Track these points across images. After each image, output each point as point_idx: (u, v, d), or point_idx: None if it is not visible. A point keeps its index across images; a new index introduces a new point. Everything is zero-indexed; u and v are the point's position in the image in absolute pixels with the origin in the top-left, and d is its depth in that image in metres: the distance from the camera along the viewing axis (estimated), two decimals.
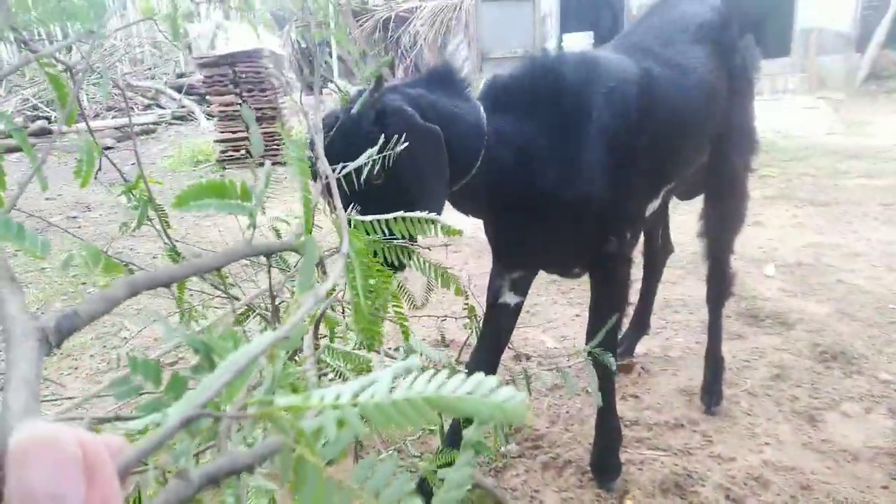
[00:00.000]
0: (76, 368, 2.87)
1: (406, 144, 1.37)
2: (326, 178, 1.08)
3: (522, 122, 1.63)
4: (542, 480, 2.05)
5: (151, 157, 8.50)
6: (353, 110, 1.45)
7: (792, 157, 6.64)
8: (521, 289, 1.91)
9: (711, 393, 2.34)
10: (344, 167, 1.36)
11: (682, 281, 3.49)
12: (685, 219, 2.69)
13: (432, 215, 1.18)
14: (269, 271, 0.99)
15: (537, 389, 2.04)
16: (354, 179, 1.43)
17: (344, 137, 1.41)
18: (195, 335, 0.73)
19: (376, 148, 1.33)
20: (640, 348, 2.75)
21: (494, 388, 0.36)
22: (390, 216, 0.94)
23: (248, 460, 0.38)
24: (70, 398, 2.48)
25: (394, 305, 1.26)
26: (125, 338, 3.17)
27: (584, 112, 1.64)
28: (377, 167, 1.45)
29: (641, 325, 2.73)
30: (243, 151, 7.79)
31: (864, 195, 5.08)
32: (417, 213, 1.09)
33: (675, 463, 2.08)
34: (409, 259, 1.29)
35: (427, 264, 1.37)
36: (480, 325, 1.97)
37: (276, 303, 1.26)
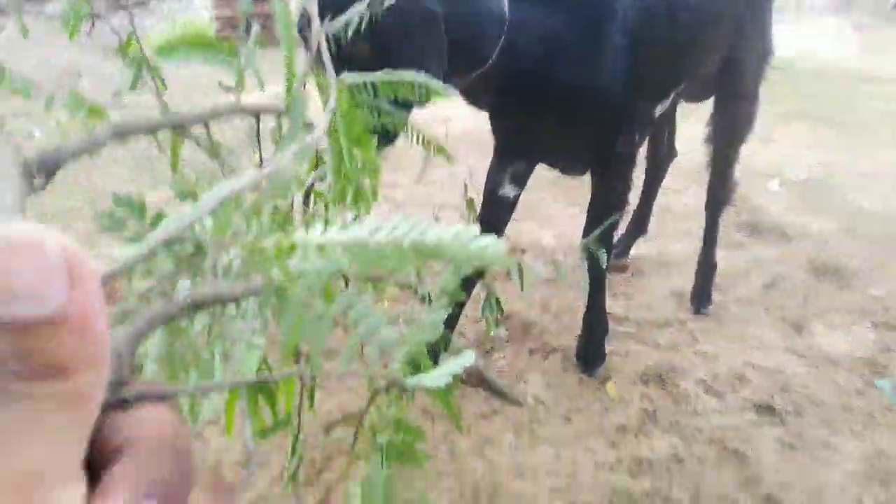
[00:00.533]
0: (69, 233, 2.86)
1: (396, 20, 1.32)
2: (317, 41, 1.02)
3: (548, 12, 1.56)
4: (529, 364, 2.10)
5: (143, 33, 8.18)
6: None
7: (810, 77, 6.42)
8: (520, 181, 1.88)
9: (701, 295, 2.37)
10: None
11: (687, 189, 3.45)
12: (694, 128, 2.63)
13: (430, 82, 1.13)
14: (257, 135, 0.94)
15: (535, 275, 2.05)
16: (342, 45, 1.38)
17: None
18: (181, 180, 0.69)
19: (364, 6, 1.26)
20: (635, 250, 2.75)
21: (475, 236, 0.34)
22: (377, 75, 0.85)
23: (234, 291, 0.37)
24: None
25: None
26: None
27: (612, 5, 1.57)
28: (363, 36, 1.39)
29: (639, 226, 2.72)
30: (242, 30, 7.49)
31: (879, 117, 4.95)
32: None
33: (659, 356, 2.12)
34: (402, 128, 1.25)
35: (421, 135, 1.33)
36: (478, 216, 1.96)
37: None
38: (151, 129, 0.69)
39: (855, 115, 5.11)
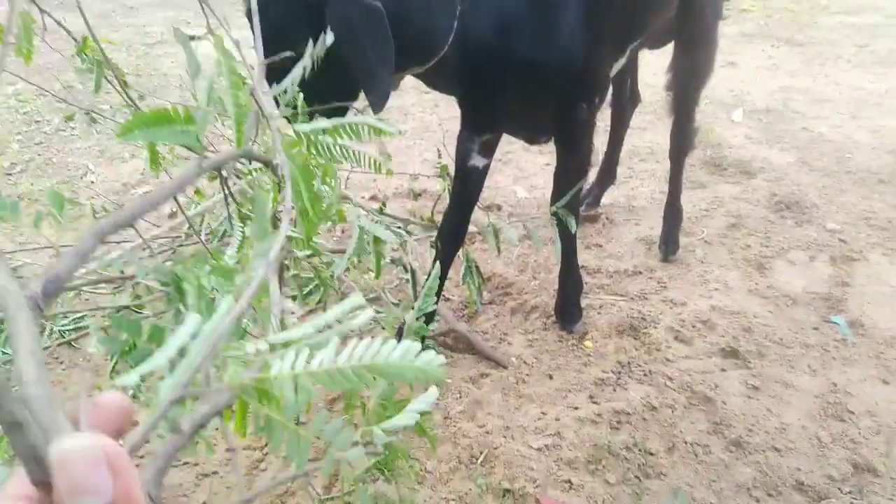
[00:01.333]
0: (49, 215, 2.83)
1: (344, 21, 1.35)
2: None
3: None
4: (511, 324, 2.22)
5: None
6: None
7: None
8: (489, 151, 1.93)
9: (668, 243, 2.48)
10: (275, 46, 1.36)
11: (651, 127, 3.51)
12: (658, 60, 2.65)
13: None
14: (222, 184, 0.98)
15: (507, 240, 2.13)
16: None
17: (283, 3, 1.36)
18: (164, 267, 0.74)
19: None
20: (605, 199, 2.84)
21: (418, 354, 0.42)
22: (325, 124, 0.89)
23: (228, 400, 0.45)
24: (48, 247, 2.49)
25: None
26: (92, 181, 3.11)
27: None
28: (312, 45, 1.42)
29: (608, 175, 2.79)
30: None
31: (841, 35, 5.00)
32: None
33: (630, 307, 2.25)
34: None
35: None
36: (452, 186, 2.01)
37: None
38: (132, 221, 0.75)
39: (817, 30, 5.14)
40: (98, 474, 0.29)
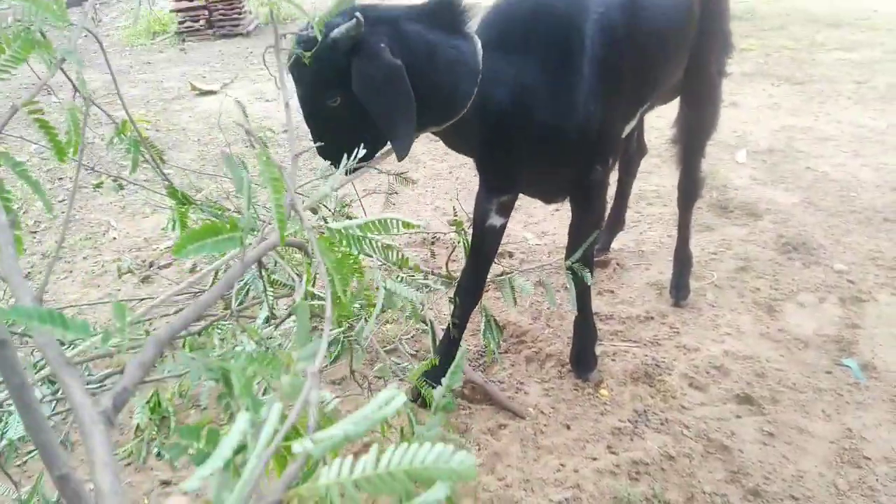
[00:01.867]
0: (71, 272, 2.93)
1: (368, 78, 1.48)
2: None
3: (519, 58, 1.66)
4: (526, 373, 2.26)
5: (105, 29, 7.97)
6: (332, 35, 1.47)
7: (772, 26, 6.53)
8: (507, 211, 2.00)
9: (679, 288, 2.52)
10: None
11: (658, 170, 3.59)
12: (663, 107, 2.73)
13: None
14: (261, 274, 1.04)
15: (522, 290, 2.18)
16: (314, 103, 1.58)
17: (316, 60, 1.44)
18: (213, 363, 0.80)
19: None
20: (615, 244, 2.89)
21: (450, 456, 0.48)
22: (355, 223, 0.95)
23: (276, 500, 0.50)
24: (72, 305, 2.57)
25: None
26: (114, 237, 3.21)
27: (578, 42, 1.65)
28: (335, 93, 1.54)
29: (617, 222, 2.86)
30: (202, 22, 7.35)
31: (840, 72, 5.09)
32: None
33: (644, 354, 2.29)
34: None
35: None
36: (468, 237, 2.07)
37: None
38: (185, 327, 0.81)
39: (816, 67, 5.25)
40: None
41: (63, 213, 3.45)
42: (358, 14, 1.46)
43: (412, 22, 1.55)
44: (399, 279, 1.72)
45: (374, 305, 1.57)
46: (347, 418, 0.52)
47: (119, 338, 0.88)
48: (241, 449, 0.52)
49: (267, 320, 1.70)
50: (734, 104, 4.55)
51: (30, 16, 0.94)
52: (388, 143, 1.64)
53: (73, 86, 1.32)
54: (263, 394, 0.79)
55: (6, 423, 1.52)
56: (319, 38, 1.41)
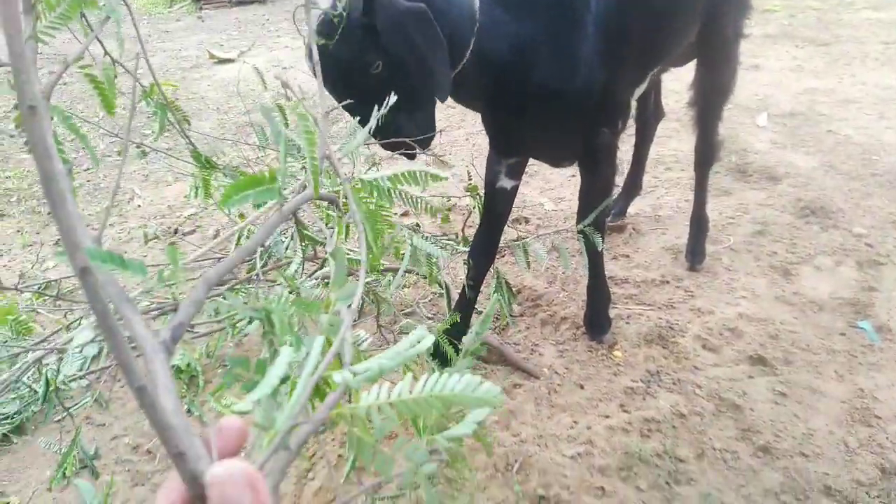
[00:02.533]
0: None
1: (395, 26, 1.46)
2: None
3: (521, 12, 1.64)
4: (541, 335, 2.30)
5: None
6: (341, 8, 1.49)
7: None
8: (517, 173, 2.01)
9: (695, 252, 2.53)
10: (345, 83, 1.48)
11: (676, 135, 3.56)
12: (676, 72, 2.70)
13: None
14: (298, 230, 1.08)
15: (536, 255, 2.21)
16: (356, 77, 1.53)
17: (340, 37, 1.45)
18: (254, 306, 0.85)
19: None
20: (631, 209, 2.90)
21: (478, 385, 0.52)
22: (385, 175, 0.98)
23: (325, 423, 0.55)
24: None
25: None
26: (139, 205, 3.28)
27: (585, 1, 1.64)
28: (374, 58, 1.53)
29: (634, 186, 2.86)
30: None
31: (868, 32, 4.97)
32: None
33: (659, 317, 2.32)
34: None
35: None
36: (482, 202, 2.10)
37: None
38: (231, 269, 0.86)
39: (843, 28, 5.12)
40: (242, 493, 0.39)
41: (88, 181, 3.54)
42: None
43: None
44: (424, 237, 1.75)
45: (401, 258, 1.62)
46: (381, 353, 0.57)
47: (172, 280, 0.94)
48: (285, 380, 0.57)
49: (297, 271, 1.77)
50: (756, 67, 4.48)
51: None
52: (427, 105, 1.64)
53: (104, 50, 1.36)
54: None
55: (58, 367, 1.61)
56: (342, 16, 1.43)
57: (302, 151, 0.87)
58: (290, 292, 1.14)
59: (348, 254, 1.55)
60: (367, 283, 1.74)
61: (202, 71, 5.16)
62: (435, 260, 1.74)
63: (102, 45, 1.26)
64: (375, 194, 1.00)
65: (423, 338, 0.58)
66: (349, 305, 0.66)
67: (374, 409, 0.55)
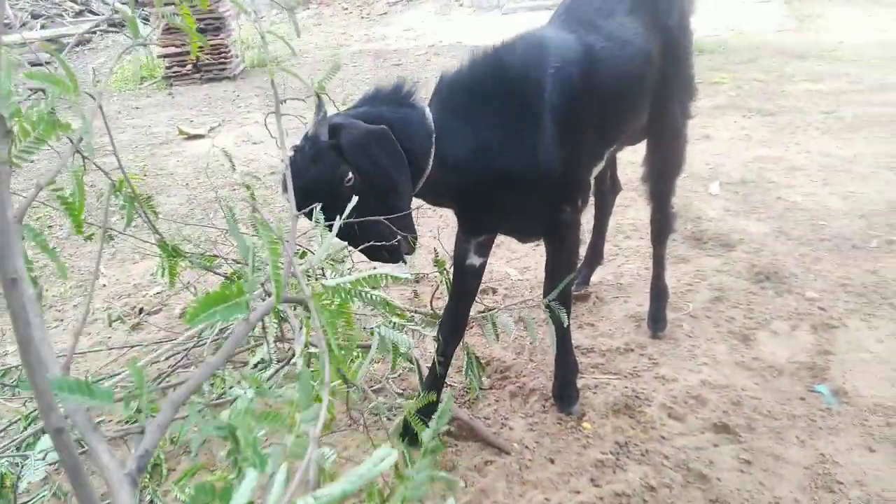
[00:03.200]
0: (62, 321, 2.97)
1: (359, 145, 1.57)
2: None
3: (473, 116, 1.78)
4: (511, 408, 2.31)
5: (92, 76, 8.08)
6: (309, 134, 1.60)
7: (742, 59, 6.75)
8: (485, 250, 2.09)
9: (656, 320, 2.61)
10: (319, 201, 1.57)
11: (634, 204, 3.69)
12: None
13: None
14: (264, 333, 1.11)
15: (504, 327, 2.26)
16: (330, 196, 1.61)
17: (310, 161, 1.55)
18: (220, 422, 0.87)
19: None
20: (595, 277, 2.98)
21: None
22: (349, 280, 1.01)
23: None
24: (63, 354, 2.61)
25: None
26: (104, 284, 3.25)
27: (535, 94, 1.77)
28: (346, 171, 1.61)
29: (596, 256, 2.95)
30: (189, 67, 7.50)
31: (808, 102, 5.28)
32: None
33: (625, 385, 2.36)
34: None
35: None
36: (451, 276, 2.15)
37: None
38: (198, 387, 0.87)
39: (785, 99, 5.44)
40: None
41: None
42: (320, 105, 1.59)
43: (364, 105, 1.73)
44: (390, 324, 1.78)
45: (367, 348, 1.64)
46: (344, 476, 0.59)
47: (137, 404, 0.94)
48: None
49: (260, 365, 1.77)
50: (707, 137, 4.71)
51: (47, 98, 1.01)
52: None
53: (72, 142, 1.40)
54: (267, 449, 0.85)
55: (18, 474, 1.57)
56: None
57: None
58: (257, 391, 1.15)
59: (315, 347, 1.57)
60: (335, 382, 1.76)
61: (171, 147, 5.22)
62: (404, 349, 1.76)
63: (72, 141, 1.30)
64: (339, 298, 1.03)
65: (386, 456, 0.61)
66: (316, 427, 0.68)
67: None
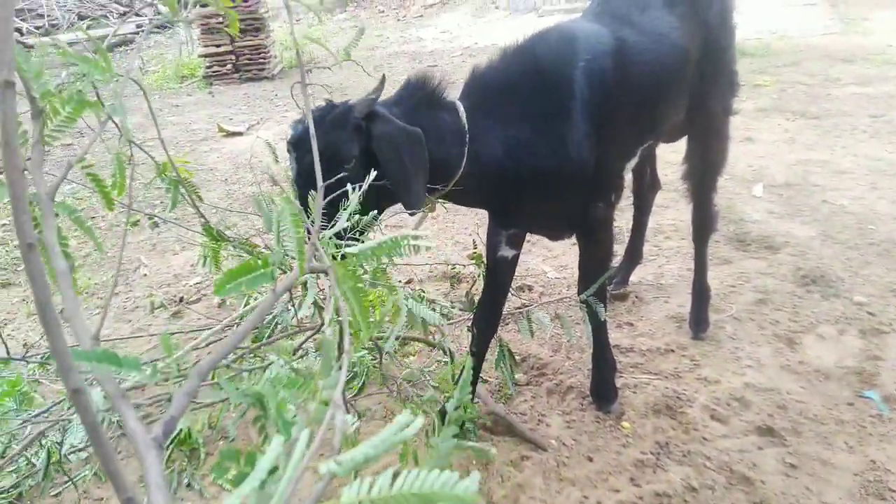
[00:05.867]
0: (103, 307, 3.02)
1: (391, 139, 1.57)
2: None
3: (504, 112, 1.76)
4: (548, 405, 2.28)
5: (142, 70, 8.28)
6: (351, 102, 1.60)
7: (786, 62, 6.60)
8: (516, 243, 2.06)
9: (698, 321, 2.55)
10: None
11: (674, 205, 3.63)
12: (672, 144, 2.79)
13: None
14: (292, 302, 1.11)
15: (540, 323, 2.23)
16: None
17: (331, 123, 1.55)
18: (246, 391, 0.86)
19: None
20: (634, 277, 2.93)
21: (455, 483, 0.53)
22: (366, 247, 1.00)
23: None
24: (105, 339, 2.66)
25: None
26: (145, 274, 3.31)
27: (566, 88, 1.75)
28: (352, 155, 1.61)
29: (635, 255, 2.90)
30: (229, 66, 7.63)
31: (855, 106, 5.13)
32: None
33: (665, 386, 2.31)
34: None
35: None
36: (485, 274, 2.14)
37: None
38: (225, 357, 0.87)
39: (831, 102, 5.29)
40: None
41: (95, 251, 3.58)
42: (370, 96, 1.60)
43: (395, 105, 1.71)
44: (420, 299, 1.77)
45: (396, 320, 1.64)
46: (367, 442, 0.59)
47: (165, 373, 0.95)
48: (275, 469, 0.58)
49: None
50: (750, 139, 4.61)
51: (80, 75, 1.03)
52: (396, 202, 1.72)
53: (118, 128, 1.42)
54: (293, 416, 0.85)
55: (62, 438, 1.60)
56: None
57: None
58: (287, 364, 1.15)
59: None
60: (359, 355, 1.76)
61: (211, 144, 5.30)
62: (436, 324, 1.75)
63: (117, 125, 1.32)
64: (364, 265, 1.02)
65: (409, 423, 0.60)
66: (337, 392, 0.67)
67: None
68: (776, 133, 4.74)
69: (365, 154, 1.61)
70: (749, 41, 7.33)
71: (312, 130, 1.23)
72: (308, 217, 1.59)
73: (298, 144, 1.59)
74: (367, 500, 0.55)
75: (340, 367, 0.75)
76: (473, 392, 2.15)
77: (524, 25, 9.88)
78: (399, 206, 1.71)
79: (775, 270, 2.96)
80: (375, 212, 1.53)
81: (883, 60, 6.39)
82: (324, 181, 1.61)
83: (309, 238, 0.95)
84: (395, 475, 0.57)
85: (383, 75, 1.59)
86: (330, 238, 1.20)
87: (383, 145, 1.61)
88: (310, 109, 1.26)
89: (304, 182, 1.62)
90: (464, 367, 2.12)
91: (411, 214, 1.75)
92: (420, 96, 1.73)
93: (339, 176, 1.43)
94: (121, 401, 0.70)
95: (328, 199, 1.26)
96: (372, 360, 2.26)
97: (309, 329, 2.02)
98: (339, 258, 1.00)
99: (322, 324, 2.07)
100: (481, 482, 1.95)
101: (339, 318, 0.95)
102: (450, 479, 0.56)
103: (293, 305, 2.06)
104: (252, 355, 2.00)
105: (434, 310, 2.27)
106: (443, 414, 2.01)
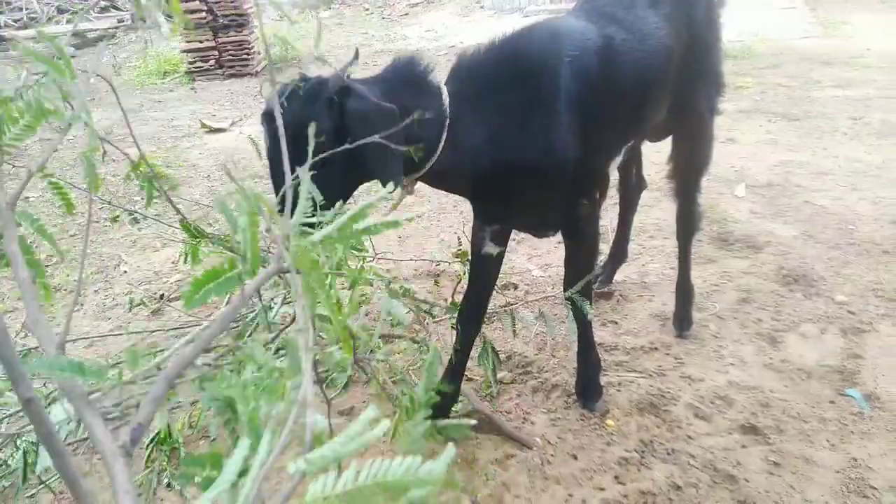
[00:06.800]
0: (83, 305, 2.97)
1: (364, 116, 1.54)
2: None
3: (489, 102, 1.74)
4: (533, 403, 2.28)
5: (116, 68, 8.16)
6: (324, 76, 1.56)
7: (767, 65, 6.67)
8: (502, 239, 2.05)
9: (682, 319, 2.56)
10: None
11: (658, 204, 3.65)
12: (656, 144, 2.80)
13: (390, 186, 1.34)
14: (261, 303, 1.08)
15: (524, 322, 2.22)
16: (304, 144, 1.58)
17: (304, 97, 1.51)
18: (217, 393, 0.83)
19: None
20: (618, 276, 2.94)
21: (418, 467, 0.52)
22: (331, 231, 0.96)
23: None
24: (84, 337, 2.60)
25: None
26: (125, 271, 3.26)
27: (551, 82, 1.73)
28: (324, 136, 1.57)
29: (619, 253, 2.91)
30: (212, 62, 7.54)
31: (835, 108, 5.20)
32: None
33: (650, 384, 2.31)
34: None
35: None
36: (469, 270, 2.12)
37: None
38: (191, 362, 0.85)
39: (811, 104, 5.35)
40: None
41: (74, 247, 3.52)
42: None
43: (378, 82, 1.68)
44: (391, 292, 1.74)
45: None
46: (335, 439, 0.57)
47: (132, 378, 0.92)
48: (245, 471, 0.57)
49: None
50: (732, 140, 4.64)
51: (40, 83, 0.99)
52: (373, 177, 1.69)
53: (87, 126, 1.38)
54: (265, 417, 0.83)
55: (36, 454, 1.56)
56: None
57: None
58: (259, 367, 1.13)
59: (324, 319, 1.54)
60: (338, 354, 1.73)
61: (193, 140, 5.24)
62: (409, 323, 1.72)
63: (88, 123, 1.29)
64: (326, 254, 0.98)
65: (376, 417, 0.58)
66: (305, 393, 0.66)
67: (320, 502, 0.55)
68: (758, 134, 4.78)
69: (339, 129, 1.57)
70: (730, 43, 7.38)
71: (276, 103, 1.21)
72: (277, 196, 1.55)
73: (271, 117, 1.56)
74: (333, 494, 0.54)
75: (314, 365, 0.73)
76: (458, 389, 2.14)
77: (509, 25, 9.84)
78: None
79: (758, 270, 2.98)
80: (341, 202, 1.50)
81: (862, 64, 6.48)
82: (296, 155, 1.59)
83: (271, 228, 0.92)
84: (359, 468, 0.56)
85: (356, 49, 1.55)
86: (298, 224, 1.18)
87: (356, 121, 1.58)
88: (275, 90, 1.23)
89: (276, 155, 1.60)
90: (449, 362, 2.11)
91: (391, 192, 1.70)
92: (404, 75, 1.70)
93: (321, 157, 1.40)
94: (86, 409, 0.67)
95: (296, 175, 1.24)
96: (352, 358, 2.24)
97: (286, 326, 2.00)
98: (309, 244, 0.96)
99: (292, 320, 2.04)
100: (465, 482, 1.94)
101: (308, 315, 0.93)
102: (413, 465, 0.55)
103: (273, 302, 2.03)
104: (231, 354, 1.96)
105: (418, 306, 2.25)
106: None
